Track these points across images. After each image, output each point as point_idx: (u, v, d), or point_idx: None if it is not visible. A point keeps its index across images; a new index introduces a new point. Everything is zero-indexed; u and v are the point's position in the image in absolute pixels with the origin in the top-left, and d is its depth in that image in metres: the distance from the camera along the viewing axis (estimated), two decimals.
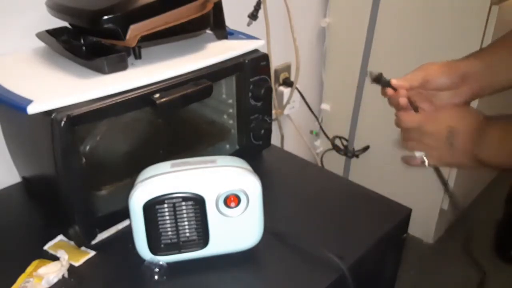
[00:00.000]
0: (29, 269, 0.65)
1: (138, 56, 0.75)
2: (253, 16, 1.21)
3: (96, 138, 0.72)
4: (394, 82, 0.65)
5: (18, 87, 0.65)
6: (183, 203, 0.63)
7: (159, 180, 0.63)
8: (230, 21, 0.89)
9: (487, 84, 0.66)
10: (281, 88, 1.44)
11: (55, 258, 0.67)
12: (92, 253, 0.70)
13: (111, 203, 0.72)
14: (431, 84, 0.65)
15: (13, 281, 0.63)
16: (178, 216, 0.63)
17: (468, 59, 0.67)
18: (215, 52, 0.81)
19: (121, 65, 0.71)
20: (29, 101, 0.61)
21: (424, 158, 0.68)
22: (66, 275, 0.65)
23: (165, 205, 0.62)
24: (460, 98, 0.66)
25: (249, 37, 0.88)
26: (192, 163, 0.66)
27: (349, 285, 0.66)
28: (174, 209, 0.63)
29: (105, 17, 0.67)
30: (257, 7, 1.21)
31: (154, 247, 0.65)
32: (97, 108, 0.64)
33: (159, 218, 0.63)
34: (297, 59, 1.35)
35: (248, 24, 1.21)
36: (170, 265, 0.66)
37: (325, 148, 1.70)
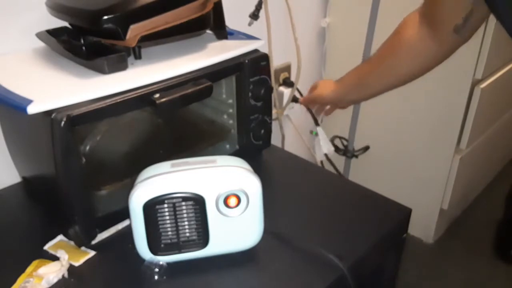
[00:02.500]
0: (29, 269, 0.65)
1: (138, 56, 0.75)
2: (255, 15, 1.21)
3: (96, 138, 0.72)
4: (300, 100, 1.11)
5: (18, 87, 0.65)
6: (183, 203, 0.63)
7: (159, 180, 0.63)
8: (230, 21, 0.89)
9: (353, 97, 0.98)
10: (281, 88, 1.44)
11: (55, 258, 0.67)
12: (92, 253, 0.70)
13: (111, 203, 0.72)
14: (322, 99, 1.00)
15: (13, 281, 0.63)
16: (178, 216, 0.63)
17: (343, 79, 0.95)
18: (215, 52, 0.81)
19: (121, 65, 0.71)
20: (29, 101, 0.61)
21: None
22: (66, 275, 0.65)
23: (165, 205, 0.62)
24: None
25: (249, 37, 0.88)
26: (192, 163, 0.66)
27: (349, 285, 0.66)
28: (174, 209, 0.63)
29: (105, 17, 0.67)
30: (258, 7, 1.21)
31: (154, 247, 0.65)
32: (97, 108, 0.64)
33: (159, 218, 0.63)
34: (299, 59, 1.35)
35: (250, 24, 1.21)
36: (170, 265, 0.66)
37: None
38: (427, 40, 0.77)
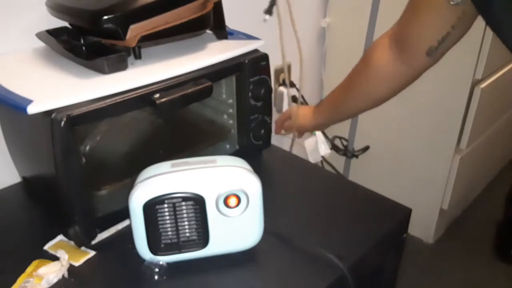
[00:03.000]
0: (29, 269, 0.65)
1: (138, 56, 0.75)
2: (269, 11, 1.21)
3: (96, 138, 0.72)
4: (275, 130, 1.12)
5: (18, 87, 0.65)
6: (183, 203, 0.63)
7: (159, 180, 0.63)
8: (230, 21, 0.89)
9: (335, 121, 1.01)
10: (281, 88, 1.44)
11: (55, 258, 0.67)
12: (92, 253, 0.70)
13: (111, 203, 0.72)
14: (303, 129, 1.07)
15: (13, 281, 0.63)
16: (178, 216, 0.63)
17: (320, 108, 0.98)
18: (215, 52, 0.81)
19: (121, 65, 0.71)
20: (29, 101, 0.61)
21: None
22: (66, 275, 0.65)
23: (165, 205, 0.62)
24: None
25: (249, 37, 0.89)
26: (192, 163, 0.66)
27: (349, 285, 0.66)
28: (174, 209, 0.63)
29: (105, 17, 0.67)
30: (272, 2, 1.20)
31: (154, 247, 0.65)
32: (97, 108, 0.64)
33: (159, 218, 0.63)
34: (283, 56, 1.34)
35: (264, 20, 1.20)
36: (170, 265, 0.66)
37: None
38: (397, 64, 0.77)
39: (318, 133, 1.35)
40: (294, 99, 1.41)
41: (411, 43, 0.74)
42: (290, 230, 0.73)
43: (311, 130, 1.06)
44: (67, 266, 0.66)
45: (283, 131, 1.13)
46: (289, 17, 1.29)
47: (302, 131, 1.10)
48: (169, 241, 0.65)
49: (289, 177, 0.91)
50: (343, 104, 0.92)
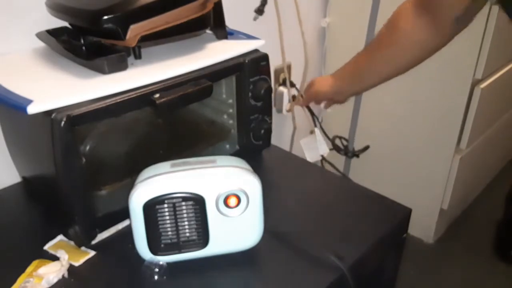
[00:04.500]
0: (29, 269, 0.65)
1: (138, 56, 0.75)
2: (260, 10, 1.20)
3: (96, 138, 0.72)
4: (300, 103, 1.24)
5: (18, 87, 0.65)
6: (183, 203, 0.63)
7: (159, 180, 0.63)
8: (230, 21, 0.89)
9: (352, 90, 0.99)
10: (281, 88, 1.44)
11: (55, 258, 0.67)
12: (92, 253, 0.70)
13: (111, 203, 0.72)
14: (321, 96, 1.02)
15: (13, 281, 0.63)
16: (178, 216, 0.63)
17: (340, 73, 0.96)
18: (215, 52, 0.81)
19: (121, 65, 0.71)
20: (29, 101, 0.61)
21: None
22: (66, 275, 0.65)
23: (165, 205, 0.62)
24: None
25: (249, 37, 0.88)
26: (192, 163, 0.66)
27: (349, 285, 0.66)
28: (174, 209, 0.63)
29: (105, 17, 0.67)
30: (263, 2, 1.20)
31: (154, 247, 0.65)
32: (97, 108, 0.64)
33: (159, 218, 0.63)
34: (306, 57, 1.35)
35: (255, 19, 1.20)
36: (170, 265, 0.66)
37: None
38: (426, 30, 0.77)
39: (317, 132, 1.35)
40: (294, 99, 1.41)
41: (438, 11, 0.75)
42: (290, 230, 0.73)
43: (329, 97, 1.02)
44: (67, 266, 0.66)
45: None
46: (291, 17, 1.29)
47: (319, 99, 1.06)
48: (169, 241, 0.65)
49: (289, 177, 0.91)
50: (365, 71, 0.91)
